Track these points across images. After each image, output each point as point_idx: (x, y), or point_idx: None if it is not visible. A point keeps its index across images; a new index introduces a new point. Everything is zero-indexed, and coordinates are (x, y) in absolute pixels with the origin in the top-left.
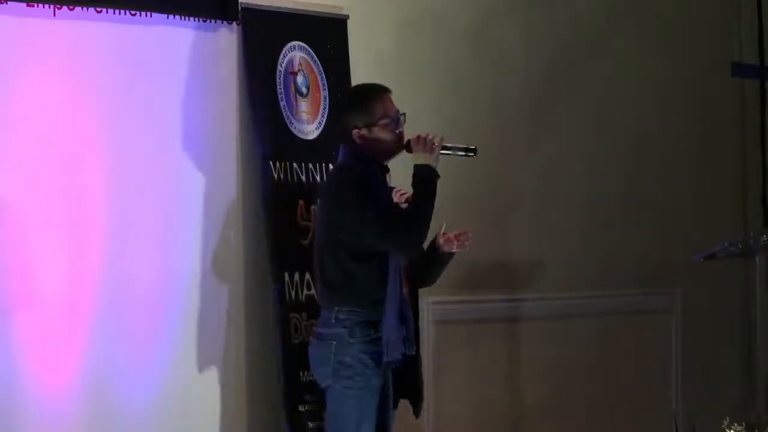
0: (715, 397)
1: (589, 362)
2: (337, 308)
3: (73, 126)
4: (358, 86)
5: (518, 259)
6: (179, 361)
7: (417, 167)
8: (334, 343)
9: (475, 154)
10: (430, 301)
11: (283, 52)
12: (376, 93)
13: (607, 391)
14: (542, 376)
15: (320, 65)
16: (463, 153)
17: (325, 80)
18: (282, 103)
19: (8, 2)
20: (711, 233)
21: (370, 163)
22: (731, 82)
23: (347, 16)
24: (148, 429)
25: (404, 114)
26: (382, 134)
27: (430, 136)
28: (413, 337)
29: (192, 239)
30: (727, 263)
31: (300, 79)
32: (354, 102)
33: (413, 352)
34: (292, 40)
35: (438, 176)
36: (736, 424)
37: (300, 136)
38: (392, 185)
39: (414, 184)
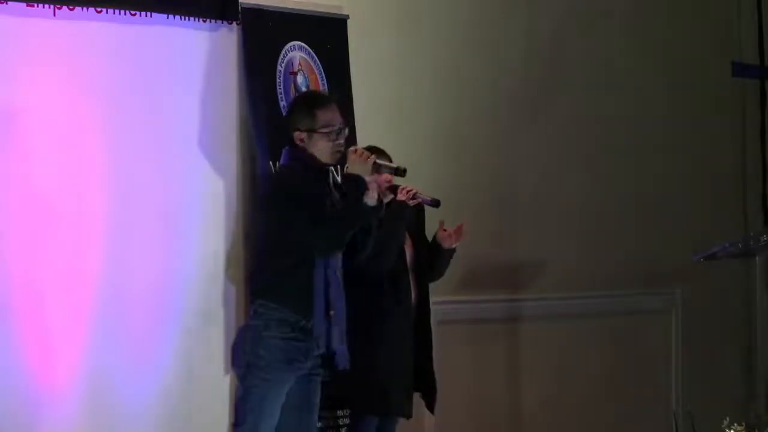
0: (715, 397)
1: (589, 362)
2: (258, 301)
3: (73, 126)
4: (308, 92)
5: (519, 259)
6: (179, 361)
7: (348, 175)
8: (250, 334)
9: (404, 175)
10: (431, 301)
11: (283, 52)
12: (323, 101)
13: (607, 391)
14: (542, 376)
15: (320, 65)
16: (394, 173)
17: (325, 80)
18: (282, 103)
19: (8, 2)
20: (711, 233)
21: (307, 166)
22: (731, 82)
23: (347, 16)
24: (148, 429)
25: (347, 128)
26: (320, 141)
27: (366, 153)
28: (340, 335)
29: (192, 239)
30: (727, 263)
31: (300, 79)
32: (301, 105)
33: (326, 352)
34: (292, 40)
35: (366, 188)
36: (736, 424)
37: None
38: (397, 184)
39: (344, 192)
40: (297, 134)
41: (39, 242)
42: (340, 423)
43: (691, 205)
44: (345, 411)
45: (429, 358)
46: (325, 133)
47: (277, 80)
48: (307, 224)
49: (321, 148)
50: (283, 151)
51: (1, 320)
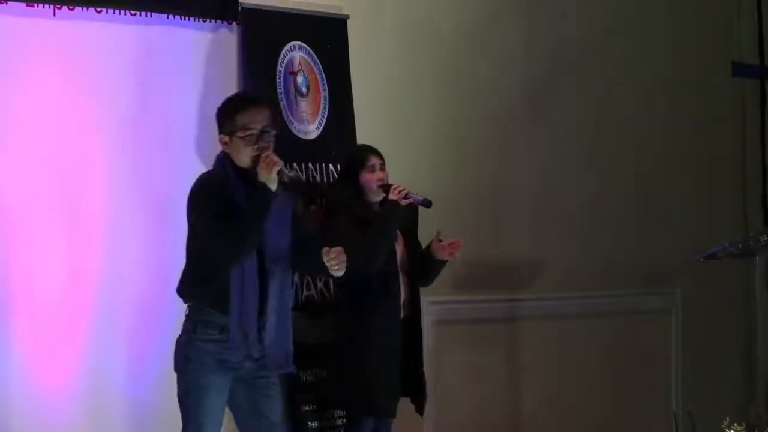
0: (715, 397)
1: (589, 362)
2: (187, 304)
3: (72, 126)
4: (233, 94)
5: (518, 259)
6: None
7: (258, 185)
8: (184, 337)
9: (300, 189)
10: (430, 301)
11: (283, 52)
12: (244, 104)
13: (607, 391)
14: (542, 376)
15: (320, 65)
16: (287, 180)
17: (325, 80)
18: (282, 104)
19: (8, 2)
20: (711, 233)
21: (231, 171)
22: (731, 82)
23: (347, 16)
24: (147, 429)
25: (274, 132)
26: (239, 145)
27: (276, 159)
28: (273, 335)
29: None
30: (727, 263)
31: (300, 79)
32: (222, 109)
33: (246, 355)
34: (292, 40)
35: (273, 197)
36: (736, 424)
37: (300, 136)
38: (391, 182)
39: (252, 199)
40: (220, 138)
41: (38, 242)
42: (338, 423)
43: (691, 205)
44: (342, 411)
45: (419, 360)
46: (242, 137)
47: (277, 80)
48: (208, 233)
49: (240, 152)
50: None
51: (1, 320)
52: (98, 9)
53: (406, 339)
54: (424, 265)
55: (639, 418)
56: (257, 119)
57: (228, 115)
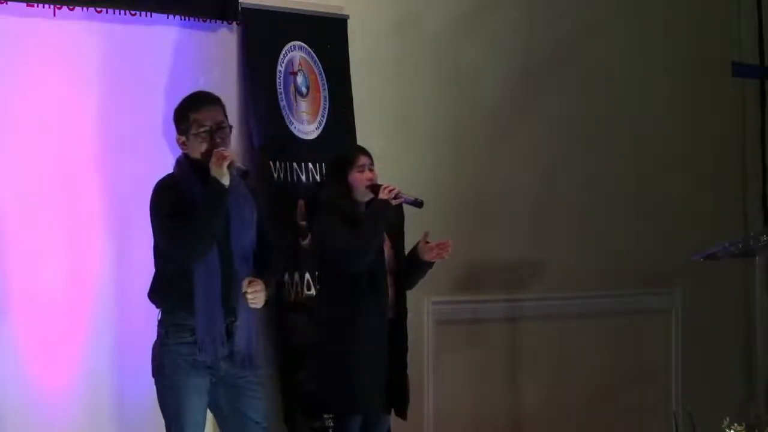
0: (715, 397)
1: (589, 362)
2: (159, 309)
3: (72, 126)
4: (187, 95)
5: (518, 259)
6: None
7: (209, 180)
8: (157, 342)
9: (246, 177)
10: (430, 301)
11: (283, 52)
12: (196, 103)
13: (607, 391)
14: (542, 376)
15: (320, 65)
16: (241, 173)
17: (325, 80)
18: (282, 103)
19: (8, 2)
20: (711, 233)
21: (188, 172)
22: (731, 82)
23: (347, 16)
24: (147, 429)
25: (230, 127)
26: (194, 144)
27: (227, 153)
28: (234, 337)
29: None
30: (727, 263)
31: (300, 79)
32: (176, 110)
33: (215, 355)
34: (292, 40)
35: (225, 191)
36: (736, 424)
37: (300, 136)
38: (380, 182)
39: (203, 195)
40: (177, 138)
41: (38, 242)
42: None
43: (691, 205)
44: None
45: (403, 362)
46: (196, 134)
47: (277, 80)
48: (164, 232)
49: (196, 150)
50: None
51: (1, 320)
52: (98, 9)
53: (391, 340)
54: (410, 267)
55: (639, 418)
56: (210, 116)
57: (182, 114)
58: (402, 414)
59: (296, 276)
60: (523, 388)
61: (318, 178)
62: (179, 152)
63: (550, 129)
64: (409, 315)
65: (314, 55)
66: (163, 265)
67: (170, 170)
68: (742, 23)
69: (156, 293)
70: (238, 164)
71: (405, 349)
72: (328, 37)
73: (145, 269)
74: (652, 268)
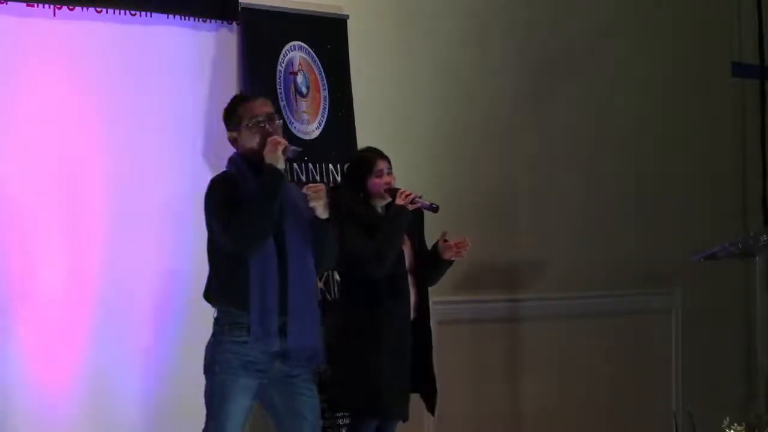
0: (715, 397)
1: (589, 362)
2: (215, 308)
3: (73, 126)
4: (234, 96)
5: (519, 259)
6: (179, 361)
7: (264, 166)
8: (212, 339)
9: (296, 155)
10: (431, 301)
11: (283, 52)
12: (245, 97)
13: (608, 391)
14: (542, 376)
15: (320, 65)
16: (291, 155)
17: (325, 80)
18: (282, 103)
19: (8, 2)
20: (711, 233)
21: (242, 168)
22: (731, 82)
23: (347, 16)
24: (147, 429)
25: (280, 119)
26: (247, 136)
27: (280, 139)
28: (291, 332)
29: (192, 239)
30: (727, 263)
31: (300, 79)
32: (225, 109)
33: (268, 349)
34: (292, 40)
35: (281, 175)
36: (736, 424)
37: (300, 136)
38: (397, 187)
39: (258, 183)
40: (228, 135)
41: (38, 242)
42: (340, 423)
43: (691, 205)
44: (345, 412)
45: (429, 360)
46: (248, 125)
47: (277, 80)
48: (220, 225)
49: (248, 140)
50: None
51: (1, 320)
52: (98, 9)
53: (416, 340)
54: (431, 266)
55: (639, 418)
56: (261, 107)
57: (232, 109)
58: (431, 409)
59: None
60: (523, 388)
61: (318, 178)
62: (179, 151)
63: (550, 129)
64: None
65: (314, 55)
66: (219, 262)
67: (170, 169)
68: (742, 23)
69: (212, 292)
70: (292, 147)
71: (431, 348)
72: (328, 37)
73: (146, 269)
74: (652, 268)
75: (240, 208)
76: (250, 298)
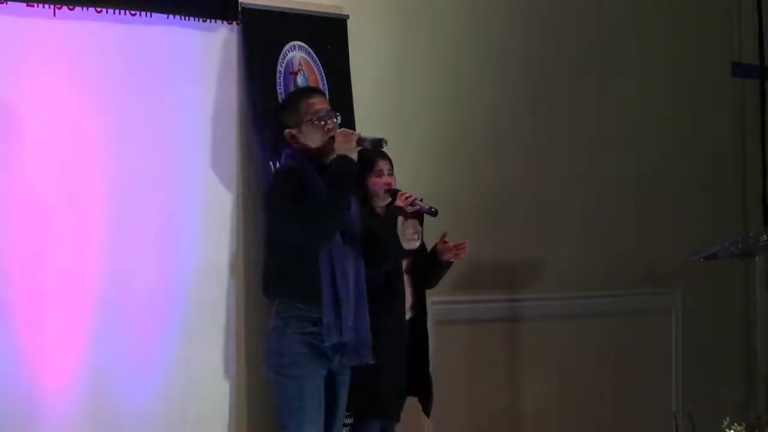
0: (715, 397)
1: (590, 362)
2: (276, 301)
3: (73, 126)
4: (291, 92)
5: (519, 259)
6: (179, 361)
7: (335, 158)
8: (274, 334)
9: (382, 146)
10: (430, 301)
11: (283, 52)
12: (303, 94)
13: (607, 391)
14: (542, 376)
15: (320, 65)
16: (374, 144)
17: (325, 80)
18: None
19: (8, 2)
20: (711, 233)
21: (304, 162)
22: (731, 82)
23: (347, 16)
24: (148, 428)
25: (338, 114)
26: (310, 132)
27: (349, 132)
28: (354, 327)
29: (192, 239)
30: (727, 263)
31: (300, 79)
32: (283, 106)
33: (340, 340)
34: (292, 40)
35: (355, 165)
36: (736, 424)
37: None
38: (398, 188)
39: (329, 173)
40: (287, 132)
41: (38, 243)
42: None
43: (691, 205)
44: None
45: (425, 362)
46: (311, 120)
47: (277, 80)
48: (294, 219)
49: (311, 136)
50: (283, 151)
51: (1, 321)
52: (98, 9)
53: (412, 340)
54: (430, 267)
55: (639, 418)
56: (321, 104)
57: (293, 107)
58: (426, 411)
59: None
60: (523, 388)
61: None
62: (179, 151)
63: (550, 129)
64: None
65: (314, 55)
66: (285, 257)
67: (170, 169)
68: (742, 23)
69: (275, 286)
70: (366, 136)
71: (427, 349)
72: (328, 37)
73: (146, 269)
74: (652, 268)
75: (314, 201)
76: (323, 290)
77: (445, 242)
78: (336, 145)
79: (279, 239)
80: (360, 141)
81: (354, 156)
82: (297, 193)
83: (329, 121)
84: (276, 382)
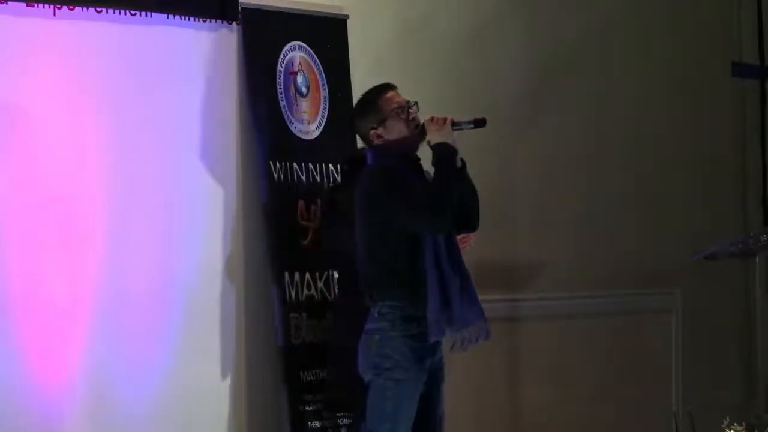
0: (715, 397)
1: (589, 362)
2: (380, 303)
3: (73, 126)
4: (363, 94)
5: (518, 259)
6: (179, 361)
7: (434, 147)
8: (377, 336)
9: (484, 125)
10: None
11: (283, 52)
12: (378, 91)
13: (607, 391)
14: (542, 376)
15: (320, 65)
16: (473, 125)
17: (325, 80)
18: (282, 103)
19: (8, 2)
20: (711, 233)
21: (395, 160)
22: (731, 82)
23: (347, 16)
24: (148, 429)
25: (416, 102)
26: (395, 126)
27: (441, 118)
28: (463, 319)
29: (192, 239)
30: (727, 263)
31: (300, 79)
32: (361, 106)
33: (444, 336)
34: (292, 40)
35: (456, 151)
36: (736, 424)
37: (300, 136)
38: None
39: (434, 163)
40: (373, 133)
41: (38, 243)
42: (340, 423)
43: (691, 205)
44: (346, 412)
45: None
46: (394, 112)
47: (277, 80)
48: (407, 214)
49: (398, 130)
50: (368, 154)
51: (1, 320)
52: (98, 9)
53: None
54: None
55: (639, 418)
56: (398, 96)
57: (372, 104)
58: None
59: (296, 276)
60: (523, 388)
61: (318, 178)
62: (179, 151)
63: (550, 129)
64: None
65: (314, 55)
66: (389, 258)
67: (171, 169)
68: (742, 23)
69: (380, 289)
70: (461, 119)
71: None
72: (328, 37)
73: (146, 270)
74: (652, 268)
75: (425, 191)
76: (429, 287)
77: None
78: (430, 135)
79: (383, 241)
80: (455, 124)
81: (451, 140)
82: (404, 187)
83: (410, 111)
84: (378, 385)
